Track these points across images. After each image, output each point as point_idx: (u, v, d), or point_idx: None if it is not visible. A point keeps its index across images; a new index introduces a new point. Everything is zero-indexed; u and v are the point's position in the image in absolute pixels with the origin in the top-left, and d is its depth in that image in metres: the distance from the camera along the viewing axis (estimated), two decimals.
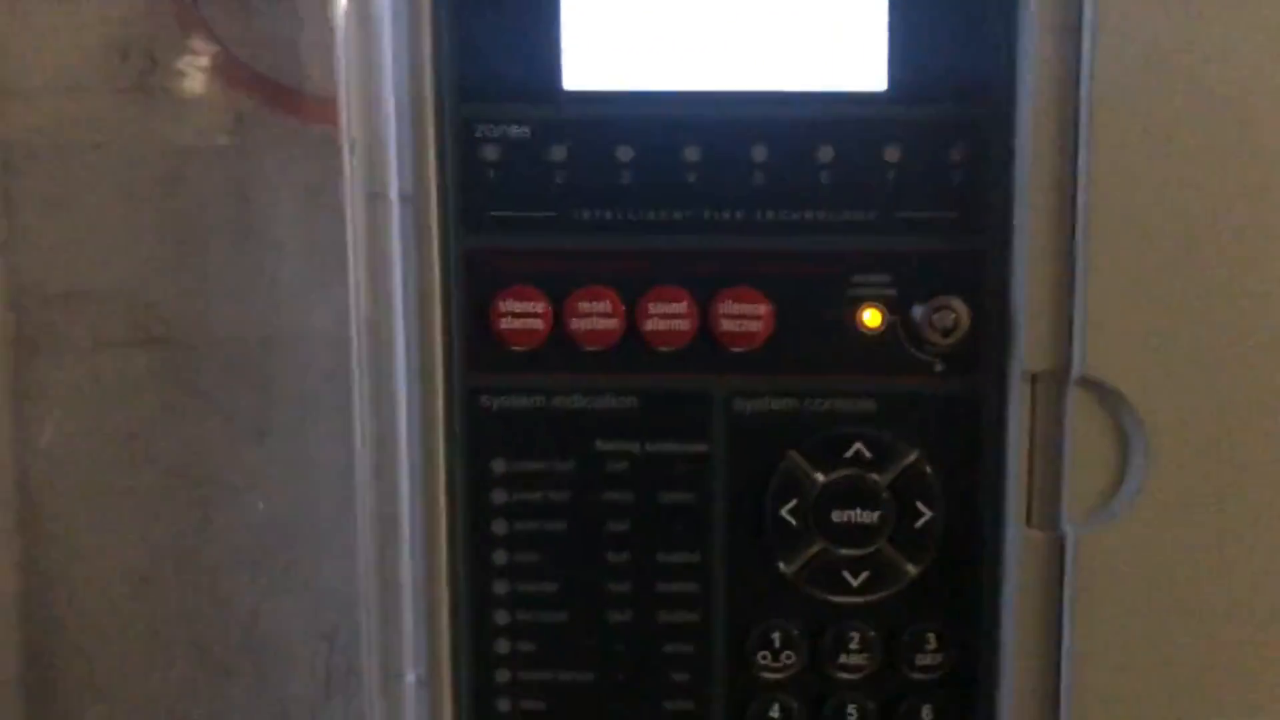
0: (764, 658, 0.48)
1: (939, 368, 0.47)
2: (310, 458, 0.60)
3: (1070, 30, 0.44)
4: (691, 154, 0.46)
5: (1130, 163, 0.44)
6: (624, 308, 0.46)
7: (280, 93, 0.55)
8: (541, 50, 0.45)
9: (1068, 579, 0.46)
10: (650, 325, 0.46)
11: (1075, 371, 0.46)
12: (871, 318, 0.47)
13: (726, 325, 0.46)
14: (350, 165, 0.45)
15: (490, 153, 0.46)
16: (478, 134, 0.45)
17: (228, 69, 0.55)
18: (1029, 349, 0.46)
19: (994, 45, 0.46)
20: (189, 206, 0.60)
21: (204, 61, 0.56)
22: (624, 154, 0.46)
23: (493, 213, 0.46)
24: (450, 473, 0.47)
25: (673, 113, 0.46)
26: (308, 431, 0.60)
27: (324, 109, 0.54)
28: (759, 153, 0.46)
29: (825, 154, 0.46)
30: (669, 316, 0.46)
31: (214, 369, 0.60)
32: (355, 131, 0.45)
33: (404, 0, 0.44)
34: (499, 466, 0.47)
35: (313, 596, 0.61)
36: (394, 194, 0.46)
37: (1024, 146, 0.46)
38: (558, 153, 0.46)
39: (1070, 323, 0.45)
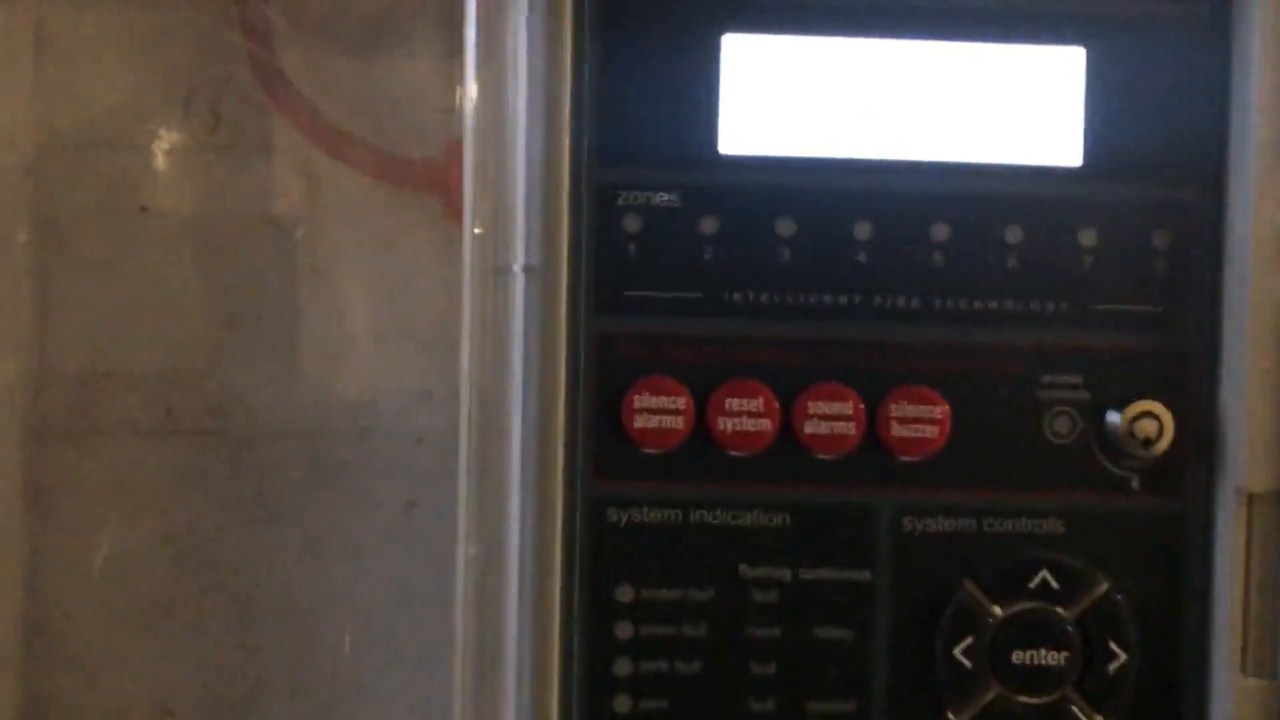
0: None
1: (1136, 484, 0.40)
2: (386, 575, 0.52)
3: None
4: (862, 230, 0.39)
5: None
6: (779, 406, 0.39)
7: (372, 156, 0.48)
8: (696, 110, 0.39)
9: None
10: (809, 428, 0.39)
11: None
12: (1061, 425, 0.40)
13: (897, 430, 0.39)
14: (470, 235, 0.38)
15: (632, 223, 0.39)
16: (619, 201, 0.39)
17: (310, 126, 0.48)
18: (1244, 464, 0.39)
19: (1202, 120, 0.40)
20: (247, 278, 0.52)
21: (279, 118, 0.49)
22: (785, 228, 0.39)
23: (631, 291, 0.39)
24: (567, 600, 0.39)
25: (842, 183, 0.39)
26: (384, 544, 0.52)
27: (426, 173, 0.47)
28: (939, 231, 0.39)
29: (1013, 235, 0.40)
30: (831, 418, 0.39)
31: (271, 466, 0.52)
32: (477, 197, 0.38)
33: (541, 56, 0.38)
34: (625, 594, 0.39)
35: None
36: (518, 267, 0.38)
37: (1238, 232, 0.39)
38: (709, 224, 0.39)
39: None
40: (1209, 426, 0.41)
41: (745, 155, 0.40)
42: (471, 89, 0.38)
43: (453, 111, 0.48)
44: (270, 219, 0.53)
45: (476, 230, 0.39)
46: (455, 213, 0.45)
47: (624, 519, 0.40)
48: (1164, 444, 0.41)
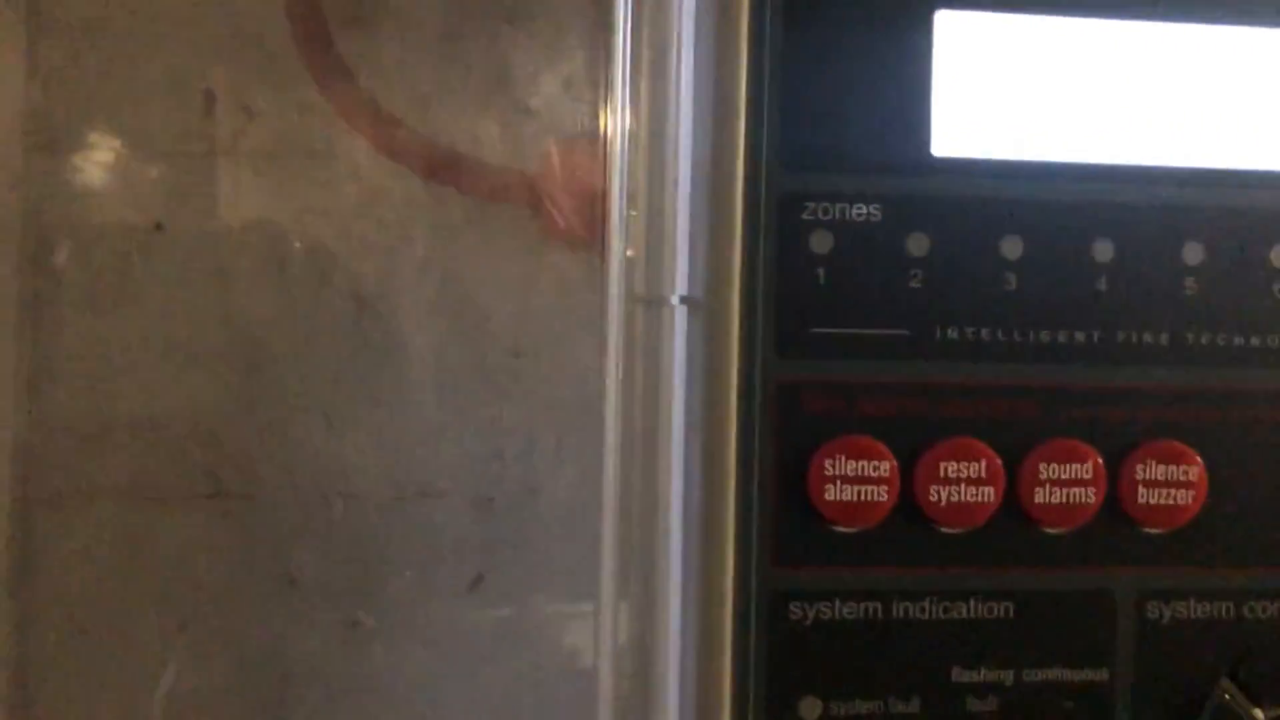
0: None
1: None
2: (439, 656, 0.43)
3: None
4: (1103, 251, 0.31)
5: None
6: (1003, 471, 0.30)
7: (455, 163, 0.39)
8: (903, 104, 0.31)
9: None
10: (1039, 496, 0.31)
11: None
12: None
13: (1144, 495, 0.31)
14: (615, 259, 0.29)
15: (822, 242, 0.30)
16: (806, 215, 0.30)
17: (376, 128, 0.39)
18: None
19: None
20: (282, 310, 0.43)
21: (334, 117, 0.40)
22: (1010, 248, 0.31)
23: (820, 329, 0.31)
24: (739, 718, 0.30)
25: (1079, 193, 0.31)
26: (446, 627, 0.42)
27: (515, 182, 0.38)
28: (1192, 253, 0.31)
29: (1278, 257, 0.31)
30: (1066, 483, 0.31)
31: (298, 531, 0.42)
32: (624, 211, 0.29)
33: (711, 36, 0.29)
34: (812, 710, 0.31)
35: None
36: (677, 298, 0.30)
37: None
38: (917, 244, 0.30)
39: None
40: None
41: (963, 158, 0.32)
42: (618, 76, 0.29)
43: (529, 112, 0.39)
44: (308, 238, 0.43)
45: (626, 252, 0.30)
46: (553, 228, 0.36)
47: (811, 615, 0.32)
48: None
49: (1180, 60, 0.33)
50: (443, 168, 0.40)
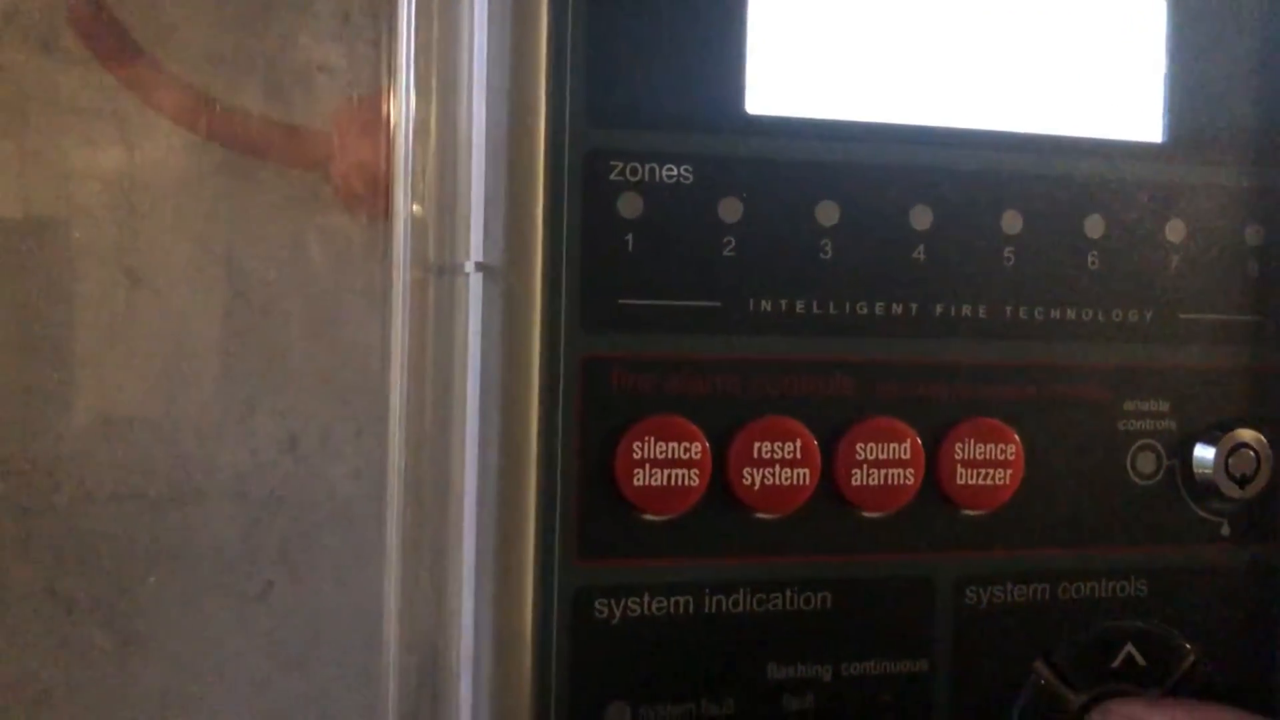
0: None
1: (1226, 530, 0.32)
2: (222, 670, 0.38)
3: None
4: (921, 218, 0.30)
5: None
6: (819, 452, 0.29)
7: (228, 119, 0.35)
8: (717, 57, 0.28)
9: None
10: (857, 478, 0.29)
11: None
12: (1145, 463, 0.31)
13: (963, 476, 0.30)
14: (403, 222, 0.26)
15: (630, 206, 0.28)
16: (613, 176, 0.28)
17: (141, 77, 0.34)
18: None
19: None
20: (46, 290, 0.38)
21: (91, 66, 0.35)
22: (827, 214, 0.29)
23: (629, 299, 0.28)
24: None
25: (900, 157, 0.29)
26: (233, 638, 0.38)
27: (303, 142, 0.34)
28: (1011, 221, 0.30)
29: (1094, 227, 0.31)
30: (885, 464, 0.30)
31: (60, 536, 0.38)
32: (409, 172, 0.26)
33: None
34: (620, 716, 0.28)
35: None
36: (472, 265, 0.27)
37: None
38: (731, 209, 0.28)
39: None
40: None
41: (779, 117, 0.29)
42: (403, 20, 0.25)
43: (328, 70, 0.35)
44: (76, 208, 0.38)
45: (413, 209, 0.26)
46: (348, 194, 0.32)
47: (618, 612, 0.29)
48: (1261, 482, 0.33)
49: (1004, 22, 0.32)
50: (216, 126, 0.36)
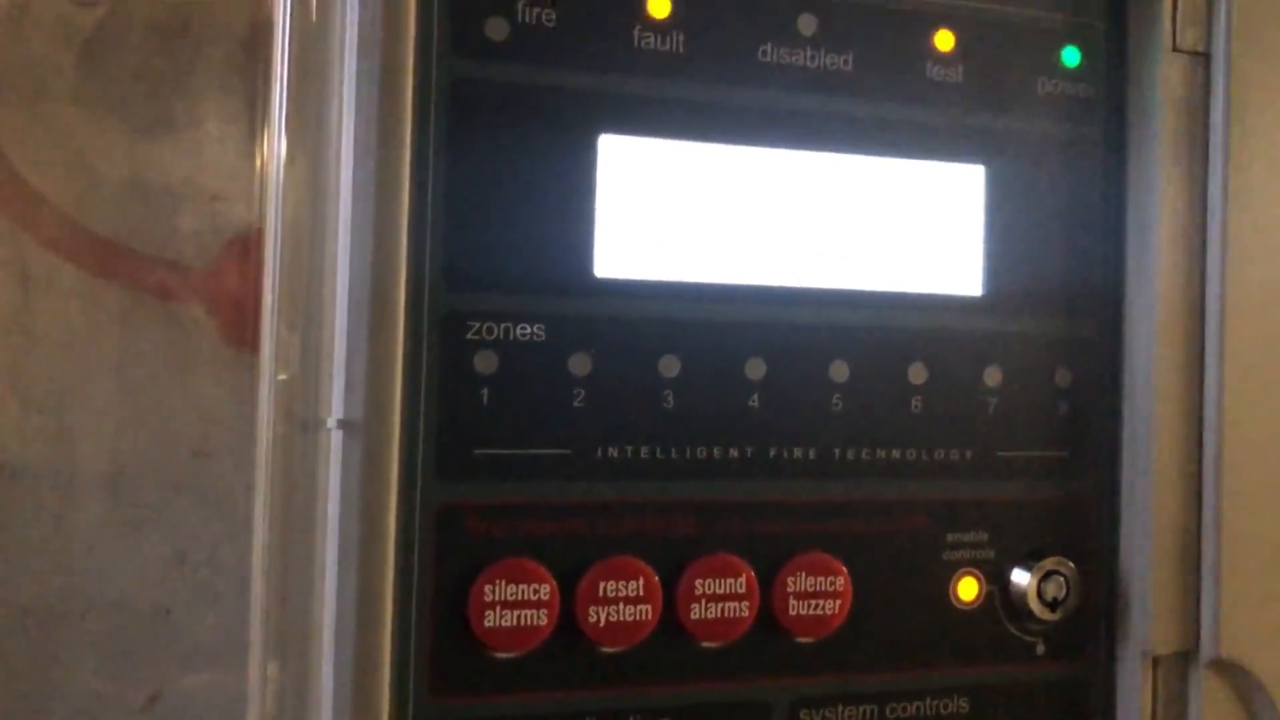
0: None
1: (1041, 650, 0.36)
2: None
3: (1194, 236, 0.37)
4: (755, 369, 0.33)
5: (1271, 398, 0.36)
6: (660, 588, 0.31)
7: (114, 254, 0.36)
8: (567, 225, 0.31)
9: None
10: (695, 612, 0.32)
11: (1206, 653, 0.35)
12: (966, 588, 0.35)
13: (795, 607, 0.32)
14: (267, 379, 0.28)
15: (485, 362, 0.30)
16: (470, 335, 0.30)
17: (30, 215, 0.35)
18: (1148, 624, 0.35)
19: (1101, 247, 0.36)
20: None
21: None
22: (668, 366, 0.32)
23: (482, 450, 0.30)
24: None
25: (736, 314, 0.32)
26: None
27: (189, 281, 0.35)
28: (838, 371, 0.33)
29: (916, 374, 0.34)
30: (722, 598, 0.32)
31: None
32: (279, 327, 0.28)
33: (373, 146, 0.28)
34: None
35: None
36: (333, 422, 0.29)
37: (1138, 373, 0.36)
38: (580, 363, 0.31)
39: (1199, 595, 0.37)
40: (1112, 583, 0.37)
41: (624, 279, 0.32)
42: (273, 180, 0.28)
43: (226, 200, 0.37)
44: None
45: (279, 376, 0.28)
46: (229, 334, 0.34)
47: None
48: (1072, 604, 0.36)
49: (830, 188, 0.35)
50: (103, 259, 0.37)
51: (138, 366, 0.38)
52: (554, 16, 0.33)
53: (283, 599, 0.33)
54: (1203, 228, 0.38)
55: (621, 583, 0.34)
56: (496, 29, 0.33)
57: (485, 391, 0.33)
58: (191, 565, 0.41)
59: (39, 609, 0.41)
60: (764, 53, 0.35)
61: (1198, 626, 0.38)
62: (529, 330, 0.33)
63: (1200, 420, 0.38)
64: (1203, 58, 0.38)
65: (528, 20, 0.33)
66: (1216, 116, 0.38)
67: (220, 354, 0.38)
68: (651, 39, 0.34)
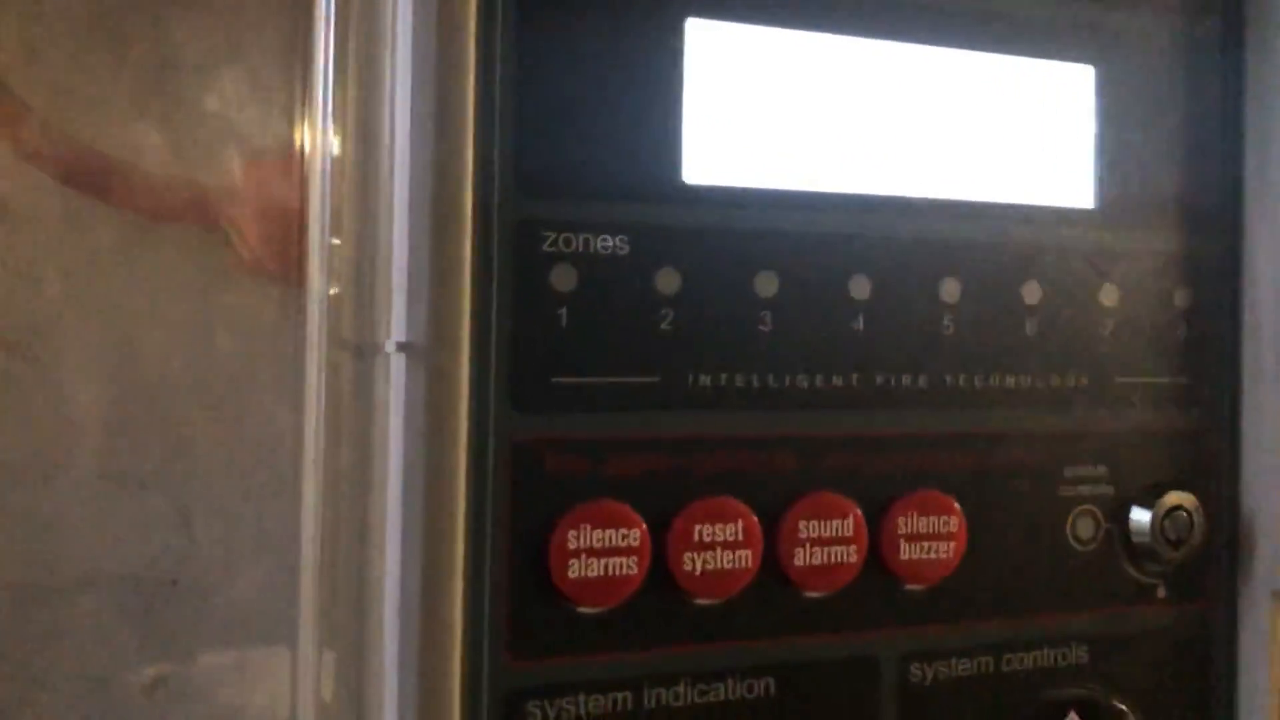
0: None
1: (1162, 592, 0.32)
2: None
3: None
4: (860, 288, 0.29)
5: None
6: (761, 532, 0.27)
7: (107, 170, 0.32)
8: (652, 124, 0.27)
9: None
10: (800, 558, 0.28)
11: None
12: (1084, 528, 0.31)
13: (906, 551, 0.29)
14: (317, 297, 0.24)
15: (563, 278, 0.26)
16: (545, 247, 0.26)
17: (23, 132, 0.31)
18: (1275, 561, 0.32)
19: (1218, 156, 0.33)
20: None
21: None
22: (765, 284, 0.28)
23: (562, 378, 0.26)
24: None
25: (837, 226, 0.29)
26: None
27: (193, 202, 0.31)
28: (949, 289, 0.30)
29: (1031, 294, 0.30)
30: (828, 541, 0.28)
31: None
32: (328, 242, 0.24)
33: (432, 41, 0.24)
34: None
35: None
36: (392, 345, 0.25)
37: (1261, 290, 0.32)
38: (668, 280, 0.27)
39: None
40: (1235, 519, 0.33)
41: (716, 186, 0.28)
42: (319, 77, 0.23)
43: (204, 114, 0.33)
44: None
45: (330, 290, 0.24)
46: (254, 261, 0.30)
47: (552, 714, 0.27)
48: (1195, 543, 0.33)
49: (938, 88, 0.31)
50: (91, 174, 0.33)
51: (138, 297, 0.34)
52: None
53: (333, 559, 0.29)
54: None
55: (719, 526, 0.30)
56: None
57: (563, 311, 0.29)
58: (202, 528, 0.36)
59: (25, 582, 0.37)
60: None
61: None
62: (610, 243, 0.29)
63: None
64: None
65: None
66: None
67: (243, 282, 0.34)
68: None
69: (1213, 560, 0.36)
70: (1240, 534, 0.36)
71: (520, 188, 0.28)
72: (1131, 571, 0.35)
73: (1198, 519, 0.35)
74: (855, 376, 0.32)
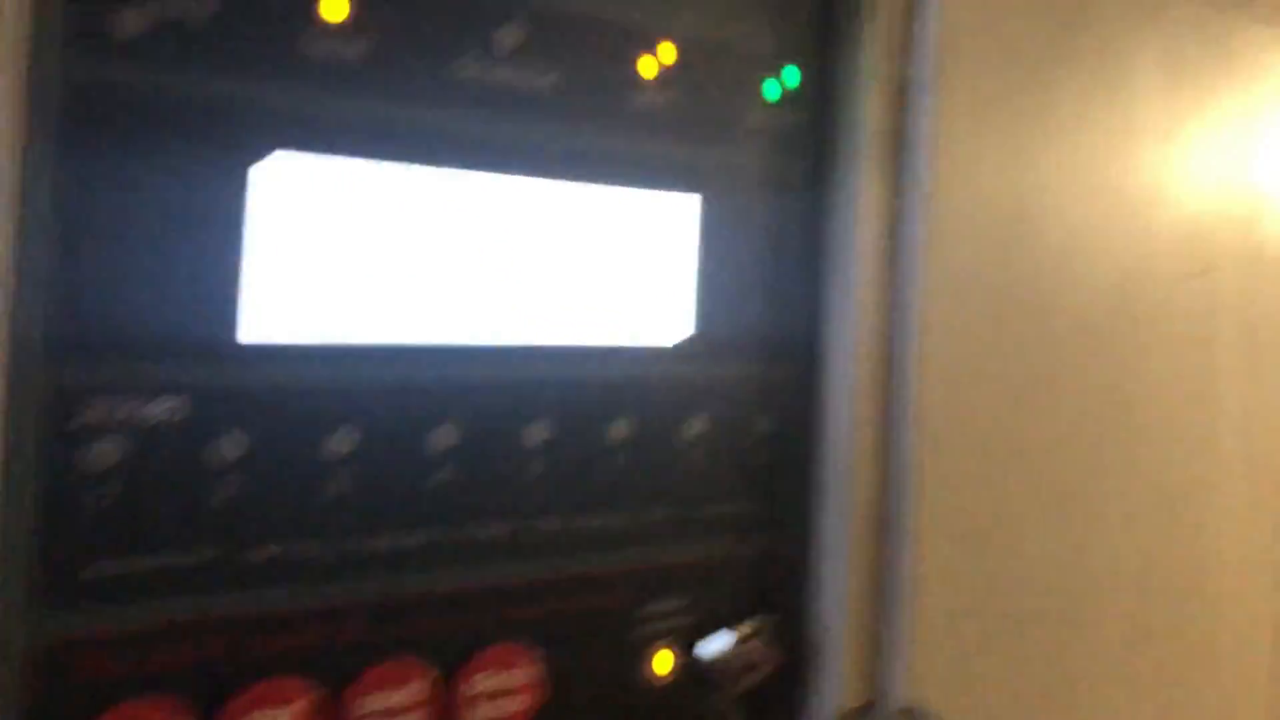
0: None
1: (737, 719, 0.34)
2: None
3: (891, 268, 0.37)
4: (443, 437, 0.28)
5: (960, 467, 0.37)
6: (326, 707, 0.26)
7: None
8: (206, 284, 0.24)
9: None
10: None
11: (895, 702, 0.36)
12: (662, 662, 0.32)
13: (476, 713, 0.29)
14: None
15: (105, 454, 0.23)
16: (84, 420, 0.23)
17: None
18: (841, 680, 0.35)
19: (803, 294, 0.35)
20: None
21: None
22: (341, 443, 0.26)
23: (99, 568, 0.23)
24: None
25: (419, 375, 0.28)
26: None
27: None
28: (536, 433, 0.30)
29: (619, 431, 0.31)
30: (394, 713, 0.27)
31: None
32: None
33: None
34: None
35: None
36: None
37: (835, 420, 0.35)
38: (232, 445, 0.25)
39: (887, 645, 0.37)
40: (807, 643, 0.36)
41: (276, 345, 0.26)
42: None
43: None
44: None
45: None
46: None
47: None
48: (765, 669, 0.35)
49: (516, 227, 0.30)
50: None
51: None
52: (204, 13, 0.25)
53: None
54: (898, 261, 0.38)
55: (278, 709, 0.27)
56: (125, 22, 0.25)
57: (103, 492, 0.25)
58: None
59: None
60: (459, 67, 0.29)
61: (888, 677, 0.38)
62: (165, 405, 0.26)
63: (892, 466, 0.38)
64: (904, 88, 0.37)
65: (170, 14, 0.25)
66: (918, 150, 0.37)
67: None
68: (324, 45, 0.27)
69: (786, 684, 0.37)
70: (808, 655, 0.38)
71: (55, 354, 0.24)
72: (707, 701, 0.36)
73: (771, 643, 0.36)
74: (436, 532, 0.30)
